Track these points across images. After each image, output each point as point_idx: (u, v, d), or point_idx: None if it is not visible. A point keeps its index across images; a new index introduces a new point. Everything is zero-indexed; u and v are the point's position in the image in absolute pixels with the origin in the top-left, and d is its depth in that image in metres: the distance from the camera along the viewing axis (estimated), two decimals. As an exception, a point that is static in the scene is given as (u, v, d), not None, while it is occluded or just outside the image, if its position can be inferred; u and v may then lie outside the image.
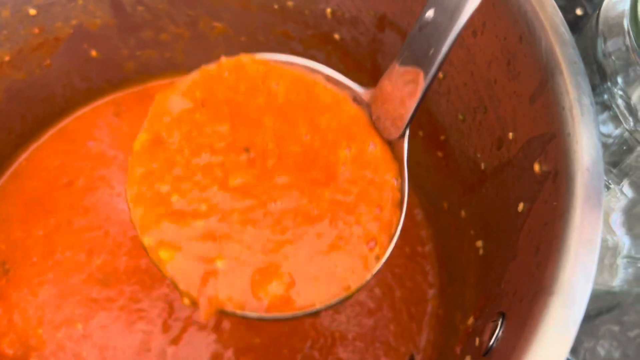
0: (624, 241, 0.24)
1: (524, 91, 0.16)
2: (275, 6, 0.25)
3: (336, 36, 0.25)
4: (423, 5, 0.21)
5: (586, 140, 0.13)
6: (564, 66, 0.14)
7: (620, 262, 0.25)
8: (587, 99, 0.14)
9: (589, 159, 0.13)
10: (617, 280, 0.25)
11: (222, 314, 0.17)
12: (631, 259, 0.24)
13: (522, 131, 0.16)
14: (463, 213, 0.22)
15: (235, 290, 0.16)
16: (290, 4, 0.25)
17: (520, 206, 0.16)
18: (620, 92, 0.17)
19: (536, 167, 0.15)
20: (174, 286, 0.17)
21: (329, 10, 0.24)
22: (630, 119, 0.17)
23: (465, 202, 0.22)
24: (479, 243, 0.20)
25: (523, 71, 0.16)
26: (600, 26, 0.18)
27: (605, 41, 0.18)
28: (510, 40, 0.17)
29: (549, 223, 0.14)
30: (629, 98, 0.17)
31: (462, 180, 0.22)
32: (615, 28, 0.18)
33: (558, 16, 0.15)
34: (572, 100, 0.14)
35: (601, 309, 0.27)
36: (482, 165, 0.20)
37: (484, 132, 0.19)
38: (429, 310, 0.25)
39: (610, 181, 0.20)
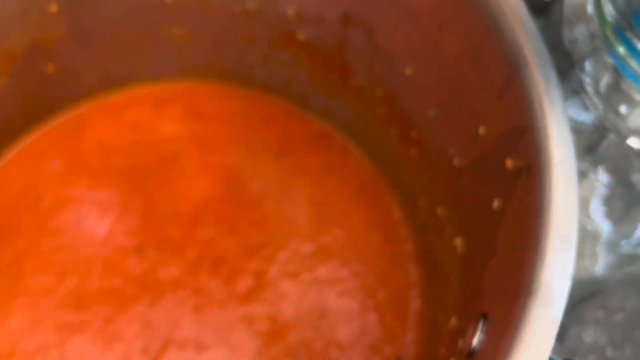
0: (603, 227, 0.24)
1: (493, 85, 0.16)
2: (236, 9, 0.24)
3: (301, 36, 0.24)
4: (390, 1, 0.20)
5: (556, 134, 0.13)
6: (530, 59, 0.14)
7: (601, 248, 0.24)
8: (556, 91, 0.14)
9: (561, 153, 0.13)
10: (599, 267, 0.25)
11: None
12: (611, 245, 0.24)
13: (494, 126, 0.16)
14: (440, 210, 0.21)
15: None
16: (251, 6, 0.24)
17: (496, 203, 0.16)
18: (588, 79, 0.17)
19: (508, 163, 0.15)
20: None
21: (291, 10, 0.23)
22: (600, 105, 0.17)
23: (441, 200, 0.21)
24: (457, 241, 0.19)
25: (491, 64, 0.16)
26: (565, 12, 0.18)
27: (571, 27, 0.18)
28: (476, 34, 0.16)
29: (524, 220, 0.13)
30: (597, 85, 0.17)
31: (437, 177, 0.21)
32: (580, 14, 0.18)
33: (522, 7, 0.15)
34: (540, 93, 0.14)
35: (584, 296, 0.27)
36: (455, 162, 0.19)
37: (456, 128, 0.19)
38: (412, 310, 0.24)
39: (586, 168, 0.20)
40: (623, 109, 0.16)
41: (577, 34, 0.18)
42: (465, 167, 0.18)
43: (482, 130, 0.17)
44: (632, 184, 0.19)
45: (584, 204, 0.23)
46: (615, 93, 0.17)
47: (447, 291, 0.22)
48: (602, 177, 0.22)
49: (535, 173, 0.13)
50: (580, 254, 0.26)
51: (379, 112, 0.24)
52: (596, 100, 0.17)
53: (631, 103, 0.16)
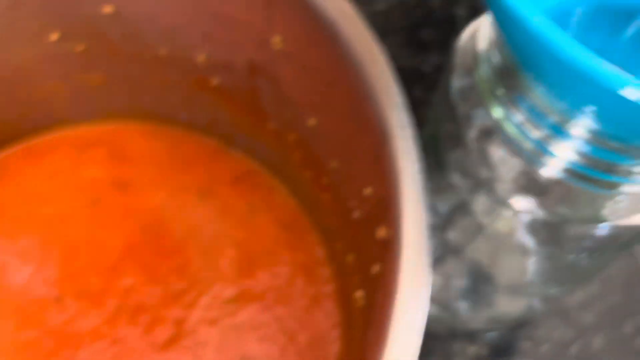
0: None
1: (371, 150, 0.16)
2: (147, 56, 0.24)
3: (214, 81, 0.24)
4: (286, 55, 0.20)
5: (412, 211, 0.13)
6: (395, 131, 0.14)
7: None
8: (416, 166, 0.13)
9: (415, 234, 0.13)
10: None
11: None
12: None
13: (374, 190, 0.16)
14: (349, 258, 0.21)
15: None
16: (162, 52, 0.24)
17: (375, 268, 0.16)
18: (471, 136, 0.17)
19: (378, 232, 0.15)
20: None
21: (201, 57, 0.23)
22: (479, 163, 0.17)
23: (350, 248, 0.21)
24: (359, 293, 0.19)
25: (368, 129, 0.16)
26: (455, 62, 0.18)
27: (459, 78, 0.18)
28: (358, 97, 0.16)
29: (383, 295, 0.13)
30: (477, 142, 0.17)
31: (345, 226, 0.21)
32: (467, 67, 0.18)
33: (393, 84, 0.15)
34: (400, 167, 0.13)
35: (513, 327, 0.27)
36: (354, 215, 0.19)
37: (352, 183, 0.19)
38: (333, 353, 0.24)
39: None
40: (502, 169, 0.17)
41: (464, 86, 0.18)
42: (360, 222, 0.18)
43: (367, 191, 0.17)
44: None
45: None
46: (494, 149, 0.17)
47: (361, 336, 0.22)
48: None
49: (392, 249, 0.13)
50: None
51: (295, 156, 0.24)
52: (475, 157, 0.17)
53: (508, 164, 0.16)
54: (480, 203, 0.17)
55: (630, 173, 0.16)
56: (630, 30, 0.18)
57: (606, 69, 0.11)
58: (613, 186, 0.16)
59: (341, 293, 0.24)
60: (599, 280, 0.28)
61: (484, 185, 0.17)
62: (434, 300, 0.25)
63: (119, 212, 0.26)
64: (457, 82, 0.18)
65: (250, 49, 0.21)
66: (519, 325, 0.27)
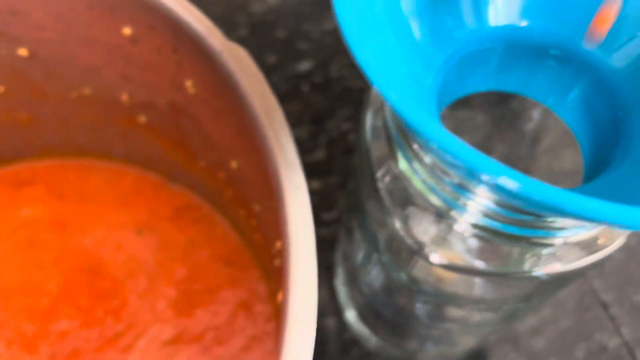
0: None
1: (275, 203, 0.15)
2: (73, 95, 0.23)
3: (142, 119, 0.23)
4: (200, 98, 0.20)
5: (301, 271, 0.12)
6: (287, 191, 0.13)
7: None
8: (308, 226, 0.13)
9: (301, 284, 0.12)
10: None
11: None
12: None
13: (281, 244, 0.15)
14: (279, 296, 0.21)
15: None
16: (86, 92, 0.23)
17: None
18: (382, 186, 0.16)
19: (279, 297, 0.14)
20: None
21: (124, 96, 0.22)
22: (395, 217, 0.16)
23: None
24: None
25: (270, 183, 0.15)
26: (368, 111, 0.17)
27: (374, 123, 0.17)
28: (258, 150, 0.16)
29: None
30: (391, 193, 0.16)
31: (275, 269, 0.21)
32: (381, 108, 0.17)
33: (286, 135, 0.14)
34: (292, 227, 0.13)
35: (465, 357, 0.27)
36: (275, 262, 0.19)
37: (272, 230, 0.18)
38: (273, 394, 0.24)
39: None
40: (414, 220, 0.16)
41: (377, 128, 0.17)
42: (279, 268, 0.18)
43: (278, 244, 0.16)
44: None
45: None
46: (405, 199, 0.16)
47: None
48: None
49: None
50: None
51: (228, 193, 0.23)
52: (388, 205, 0.16)
53: (419, 215, 0.16)
54: (395, 253, 0.17)
55: (548, 227, 0.15)
56: (549, 65, 0.17)
57: (479, 158, 0.10)
58: (531, 240, 0.16)
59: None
60: (551, 305, 0.28)
61: (397, 236, 0.16)
62: (389, 338, 0.25)
63: (55, 253, 0.26)
64: (369, 124, 0.17)
65: (168, 90, 0.20)
66: (470, 357, 0.27)
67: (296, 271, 0.12)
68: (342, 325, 0.27)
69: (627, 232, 0.17)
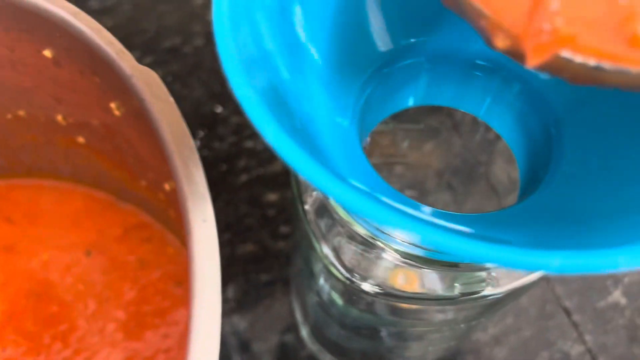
0: None
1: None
2: (8, 116, 0.23)
3: (81, 140, 0.23)
4: (127, 120, 0.19)
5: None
6: (193, 226, 0.13)
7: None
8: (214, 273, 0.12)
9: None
10: None
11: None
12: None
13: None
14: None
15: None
16: (21, 113, 0.22)
17: None
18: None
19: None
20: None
21: (59, 117, 0.22)
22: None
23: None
24: None
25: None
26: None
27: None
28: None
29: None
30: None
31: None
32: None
33: (197, 163, 0.14)
34: (194, 271, 0.12)
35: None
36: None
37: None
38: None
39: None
40: (341, 250, 0.15)
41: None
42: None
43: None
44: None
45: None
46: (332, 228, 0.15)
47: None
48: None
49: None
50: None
51: (170, 213, 0.23)
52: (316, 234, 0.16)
53: (346, 246, 0.15)
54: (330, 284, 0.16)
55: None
56: (477, 75, 0.17)
57: (379, 208, 0.09)
58: (461, 266, 0.15)
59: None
60: (512, 314, 0.27)
61: (328, 263, 0.16)
62: (341, 357, 0.24)
63: (1, 278, 0.25)
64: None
65: (98, 112, 0.20)
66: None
67: (198, 316, 0.12)
68: (301, 341, 0.26)
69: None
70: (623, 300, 0.28)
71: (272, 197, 0.29)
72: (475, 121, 0.23)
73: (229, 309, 0.27)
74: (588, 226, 0.12)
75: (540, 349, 0.27)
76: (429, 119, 0.21)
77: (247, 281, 0.27)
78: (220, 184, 0.29)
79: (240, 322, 0.26)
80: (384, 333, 0.19)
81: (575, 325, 0.27)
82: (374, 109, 0.16)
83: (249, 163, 0.30)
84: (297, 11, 0.13)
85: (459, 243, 0.09)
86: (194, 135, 0.30)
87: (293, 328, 0.27)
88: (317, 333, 0.23)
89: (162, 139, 0.14)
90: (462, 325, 0.18)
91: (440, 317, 0.17)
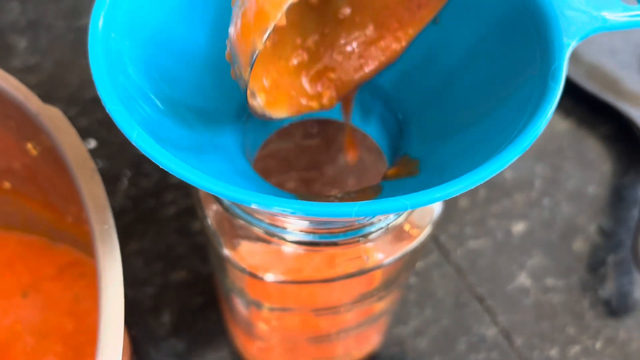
0: None
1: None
2: None
3: (7, 185, 0.24)
4: (44, 160, 0.21)
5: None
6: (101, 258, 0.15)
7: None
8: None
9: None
10: None
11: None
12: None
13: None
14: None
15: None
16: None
17: None
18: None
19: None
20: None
21: (-17, 165, 0.23)
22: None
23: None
24: None
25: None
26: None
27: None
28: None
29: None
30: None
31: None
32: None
33: (101, 190, 0.16)
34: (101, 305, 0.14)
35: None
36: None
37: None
38: None
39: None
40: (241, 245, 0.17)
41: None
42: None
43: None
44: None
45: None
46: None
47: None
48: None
49: None
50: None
51: (98, 244, 0.24)
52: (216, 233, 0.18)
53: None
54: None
55: (354, 228, 0.17)
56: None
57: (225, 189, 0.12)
58: (348, 241, 0.17)
59: None
60: (431, 306, 0.30)
61: (230, 261, 0.18)
62: None
63: (-62, 327, 0.26)
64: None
65: (17, 154, 0.21)
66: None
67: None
68: (238, 357, 0.28)
69: (432, 219, 0.19)
70: (528, 282, 0.30)
71: (199, 225, 0.31)
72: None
73: (165, 333, 0.28)
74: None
75: (458, 335, 0.29)
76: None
77: (182, 305, 0.29)
78: (149, 218, 0.31)
79: (177, 344, 0.28)
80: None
81: (488, 309, 0.30)
82: (255, 130, 0.19)
83: (175, 196, 0.32)
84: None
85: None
86: (122, 175, 0.32)
87: (228, 344, 0.28)
88: (250, 344, 0.25)
89: (69, 167, 0.16)
90: (375, 297, 0.20)
91: (343, 296, 0.20)
